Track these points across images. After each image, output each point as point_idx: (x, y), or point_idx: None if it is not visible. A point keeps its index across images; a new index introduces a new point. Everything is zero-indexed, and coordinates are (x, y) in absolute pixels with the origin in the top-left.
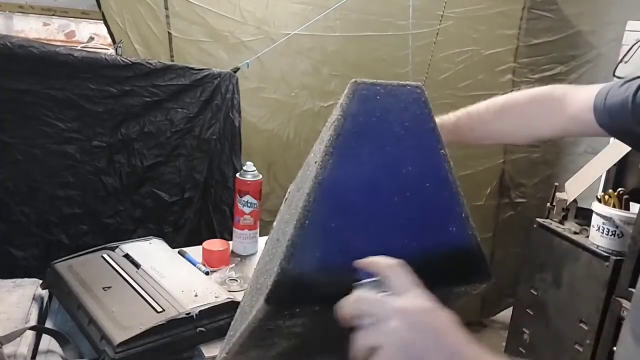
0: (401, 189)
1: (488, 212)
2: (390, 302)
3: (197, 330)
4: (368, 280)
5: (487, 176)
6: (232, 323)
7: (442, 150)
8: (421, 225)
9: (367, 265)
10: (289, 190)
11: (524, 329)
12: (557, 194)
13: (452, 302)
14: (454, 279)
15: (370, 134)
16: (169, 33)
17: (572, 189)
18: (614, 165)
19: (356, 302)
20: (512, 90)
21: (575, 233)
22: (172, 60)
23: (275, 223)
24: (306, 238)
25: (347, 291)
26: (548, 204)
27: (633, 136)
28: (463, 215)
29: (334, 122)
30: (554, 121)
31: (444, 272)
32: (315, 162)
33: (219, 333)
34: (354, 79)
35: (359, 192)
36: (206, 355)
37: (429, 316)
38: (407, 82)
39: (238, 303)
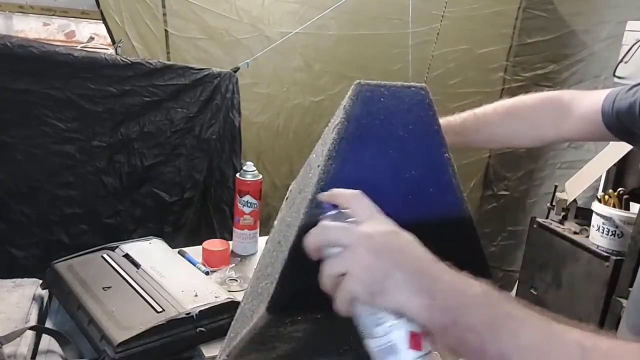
0: (405, 194)
1: (471, 204)
2: (354, 228)
3: (197, 330)
4: (332, 212)
5: (472, 169)
6: (232, 323)
7: (446, 154)
8: (425, 230)
9: (329, 197)
10: (290, 189)
11: None
12: (557, 194)
13: None
14: None
15: (374, 137)
16: (166, 31)
17: (572, 189)
18: (614, 165)
19: (321, 231)
20: (502, 89)
21: (575, 233)
22: (169, 58)
23: (276, 222)
24: None
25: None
26: (548, 204)
27: None
28: (466, 220)
29: (337, 124)
30: (562, 124)
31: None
32: (318, 166)
33: (219, 333)
34: (358, 80)
35: None
36: (206, 355)
37: (391, 238)
38: (412, 84)
39: (238, 303)
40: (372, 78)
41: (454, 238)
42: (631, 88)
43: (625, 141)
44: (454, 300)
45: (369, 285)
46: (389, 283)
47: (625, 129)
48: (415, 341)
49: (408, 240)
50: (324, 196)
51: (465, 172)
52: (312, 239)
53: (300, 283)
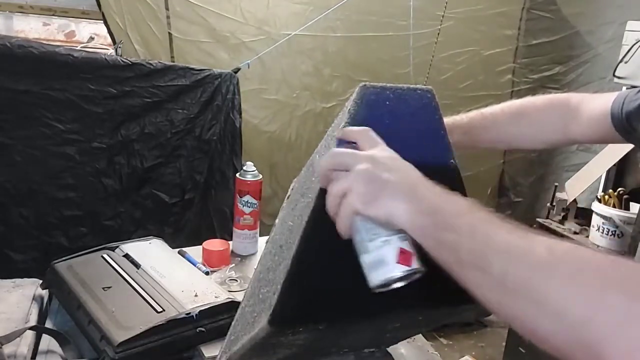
0: None
1: None
2: (359, 152)
3: (197, 331)
4: (343, 145)
5: (488, 177)
6: (232, 324)
7: (452, 160)
8: None
9: (343, 134)
10: (291, 187)
11: None
12: (557, 194)
13: (457, 316)
14: (461, 291)
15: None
16: (170, 33)
17: (572, 189)
18: (614, 165)
19: (332, 156)
20: (511, 91)
21: (575, 233)
22: (173, 61)
23: (277, 221)
24: (312, 255)
25: (353, 308)
26: (548, 204)
27: None
28: None
29: (341, 129)
30: (570, 126)
31: (452, 283)
32: None
33: (219, 333)
34: (363, 83)
35: None
36: (206, 355)
37: (391, 160)
38: (418, 86)
39: (238, 303)
40: (381, 81)
41: None
42: None
43: (635, 144)
44: (437, 206)
45: (366, 195)
46: (383, 193)
47: (635, 131)
48: (404, 257)
49: (408, 164)
50: (339, 133)
51: (481, 181)
52: (323, 164)
53: (303, 295)
